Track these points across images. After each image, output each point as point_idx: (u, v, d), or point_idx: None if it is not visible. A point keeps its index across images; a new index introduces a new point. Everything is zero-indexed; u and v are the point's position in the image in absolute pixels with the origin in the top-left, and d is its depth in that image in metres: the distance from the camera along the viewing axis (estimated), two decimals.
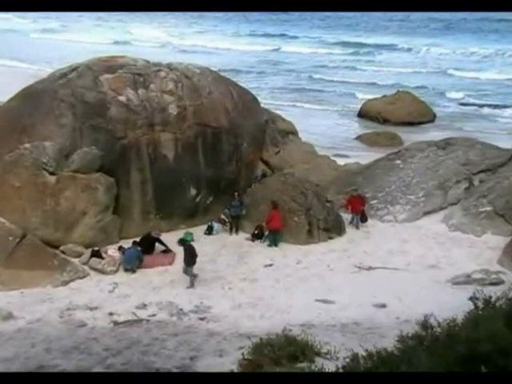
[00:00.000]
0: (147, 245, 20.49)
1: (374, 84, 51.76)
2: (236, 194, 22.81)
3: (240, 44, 75.60)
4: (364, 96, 45.81)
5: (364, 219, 22.88)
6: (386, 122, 40.06)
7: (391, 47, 72.22)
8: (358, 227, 22.60)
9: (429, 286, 17.75)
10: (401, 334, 8.69)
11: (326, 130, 38.74)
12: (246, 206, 22.82)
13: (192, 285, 18.39)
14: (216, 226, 22.75)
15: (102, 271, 19.51)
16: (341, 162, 29.13)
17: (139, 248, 20.03)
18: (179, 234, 22.19)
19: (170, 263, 20.15)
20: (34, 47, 68.22)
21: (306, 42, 77.52)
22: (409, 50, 70.63)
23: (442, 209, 23.56)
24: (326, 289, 17.97)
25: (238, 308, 16.96)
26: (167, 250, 20.61)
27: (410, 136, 35.44)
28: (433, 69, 59.51)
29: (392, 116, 40.15)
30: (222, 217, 22.92)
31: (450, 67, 59.33)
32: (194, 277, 18.52)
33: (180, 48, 71.84)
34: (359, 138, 37.24)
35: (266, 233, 21.74)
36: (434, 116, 41.82)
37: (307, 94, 49.05)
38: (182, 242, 19.25)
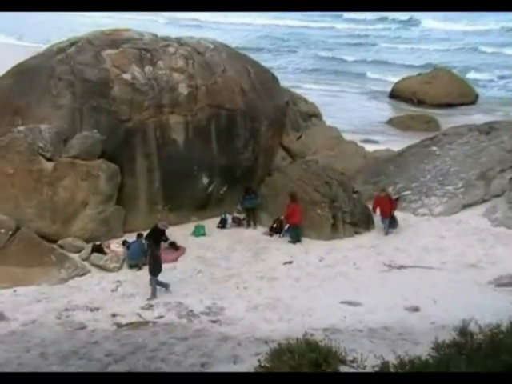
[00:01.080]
0: (154, 238, 20.50)
1: (403, 64, 51.45)
2: (249, 189, 22.71)
3: (248, 17, 74.01)
4: (394, 76, 45.51)
5: (394, 224, 21.92)
6: (421, 103, 39.79)
7: (418, 21, 71.34)
8: (386, 233, 21.79)
9: (468, 288, 17.58)
10: (436, 340, 8.60)
11: (353, 112, 38.58)
12: (262, 196, 22.78)
13: (153, 296, 17.81)
14: (230, 218, 22.74)
15: (103, 268, 19.58)
16: (370, 148, 29.00)
17: (144, 241, 20.07)
18: (189, 227, 22.29)
19: (176, 258, 20.32)
20: (13, 18, 67.30)
21: (323, 15, 76.54)
22: (440, 23, 69.77)
23: (483, 201, 23.31)
24: (352, 289, 17.90)
25: (254, 310, 16.92)
26: (173, 245, 20.73)
27: (449, 119, 35.21)
28: (472, 45, 58.94)
29: (428, 96, 39.84)
30: (236, 215, 22.82)
31: (492, 43, 58.67)
32: (163, 286, 17.97)
33: (175, 22, 71.17)
34: (390, 121, 37.07)
35: (286, 226, 21.69)
36: (477, 97, 41.41)
37: (329, 73, 48.91)
38: (150, 245, 18.83)
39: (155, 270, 18.12)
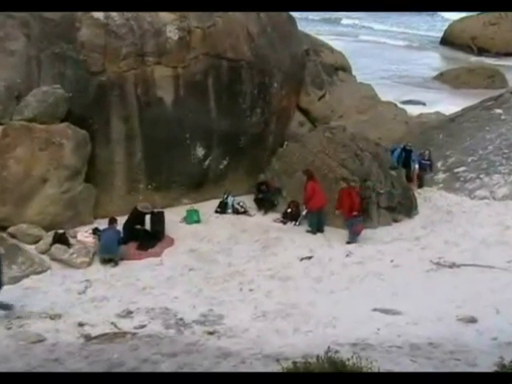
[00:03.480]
0: (134, 225, 20.57)
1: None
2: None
3: None
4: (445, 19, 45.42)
5: (353, 232, 20.75)
6: (482, 51, 39.65)
7: None
8: (348, 241, 20.81)
9: None
10: (500, 361, 8.53)
11: (391, 65, 38.49)
12: (274, 172, 22.92)
13: (9, 308, 16.86)
14: (232, 200, 22.76)
15: (68, 263, 19.57)
16: (413, 111, 28.97)
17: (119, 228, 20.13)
18: (180, 211, 22.31)
19: (158, 253, 20.27)
20: None
21: None
22: None
23: None
24: (388, 293, 17.95)
25: (263, 318, 16.93)
26: (155, 234, 20.78)
27: None
28: None
29: (492, 43, 39.73)
30: (236, 204, 22.79)
31: None
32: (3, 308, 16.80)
33: None
34: (441, 76, 36.99)
35: (304, 212, 21.68)
36: None
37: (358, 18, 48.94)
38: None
39: None
